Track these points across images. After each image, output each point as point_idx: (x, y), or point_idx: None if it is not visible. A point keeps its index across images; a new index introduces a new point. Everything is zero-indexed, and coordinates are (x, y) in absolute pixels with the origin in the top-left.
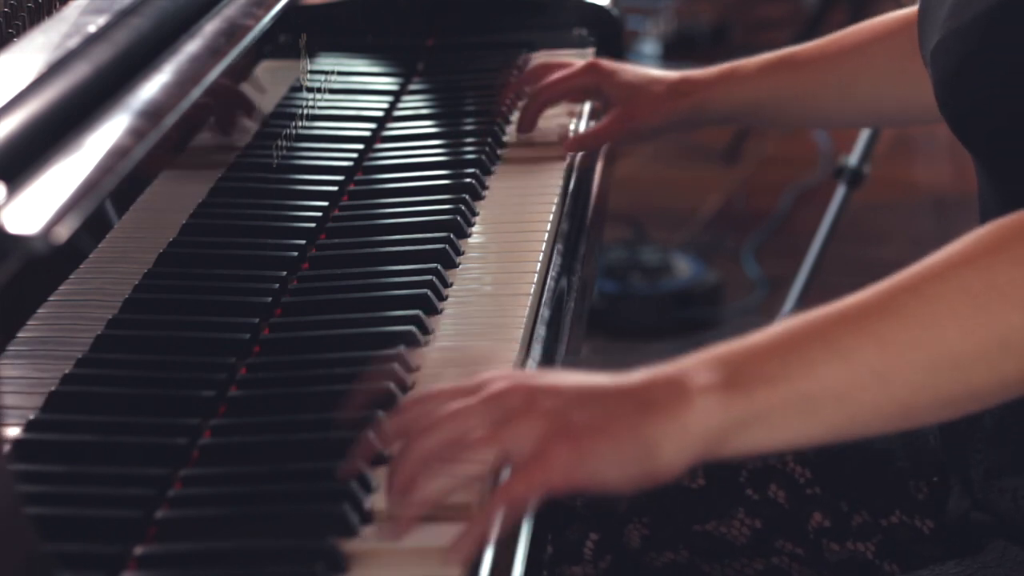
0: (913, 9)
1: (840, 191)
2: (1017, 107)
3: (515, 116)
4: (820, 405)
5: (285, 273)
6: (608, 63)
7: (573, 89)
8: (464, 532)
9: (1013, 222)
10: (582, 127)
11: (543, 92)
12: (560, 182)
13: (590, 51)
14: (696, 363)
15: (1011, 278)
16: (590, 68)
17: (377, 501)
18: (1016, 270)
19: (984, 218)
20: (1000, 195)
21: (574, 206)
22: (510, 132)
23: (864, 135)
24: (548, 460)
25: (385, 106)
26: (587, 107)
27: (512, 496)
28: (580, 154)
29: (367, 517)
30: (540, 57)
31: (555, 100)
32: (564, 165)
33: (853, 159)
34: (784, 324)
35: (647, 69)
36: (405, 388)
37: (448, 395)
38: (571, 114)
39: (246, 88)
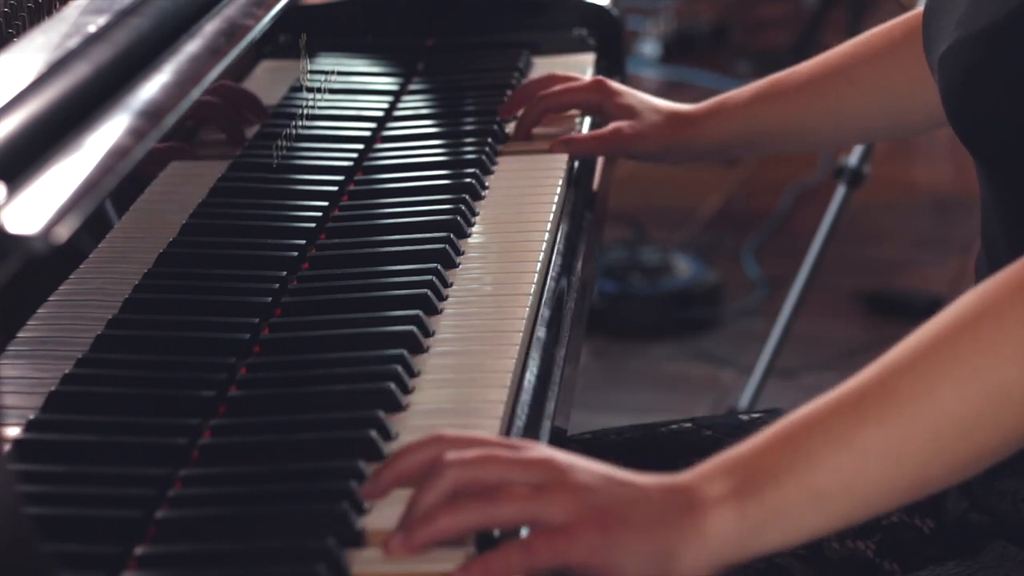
0: (898, 21)
1: (840, 191)
2: None
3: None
4: (831, 497)
5: (285, 273)
6: (613, 83)
7: (576, 103)
8: (472, 566)
9: (998, 283)
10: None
11: (545, 100)
12: (560, 182)
13: (590, 57)
14: (707, 473)
15: (996, 334)
16: (595, 85)
17: (371, 521)
18: (1000, 325)
19: (985, 227)
20: (1003, 204)
21: (574, 206)
22: (510, 132)
23: None
24: (575, 535)
25: (385, 106)
26: (587, 121)
27: (530, 552)
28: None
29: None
30: (540, 62)
31: (556, 110)
32: (564, 165)
33: (853, 159)
34: (785, 420)
35: (650, 97)
36: (406, 389)
37: (485, 443)
38: (572, 116)
39: (246, 88)
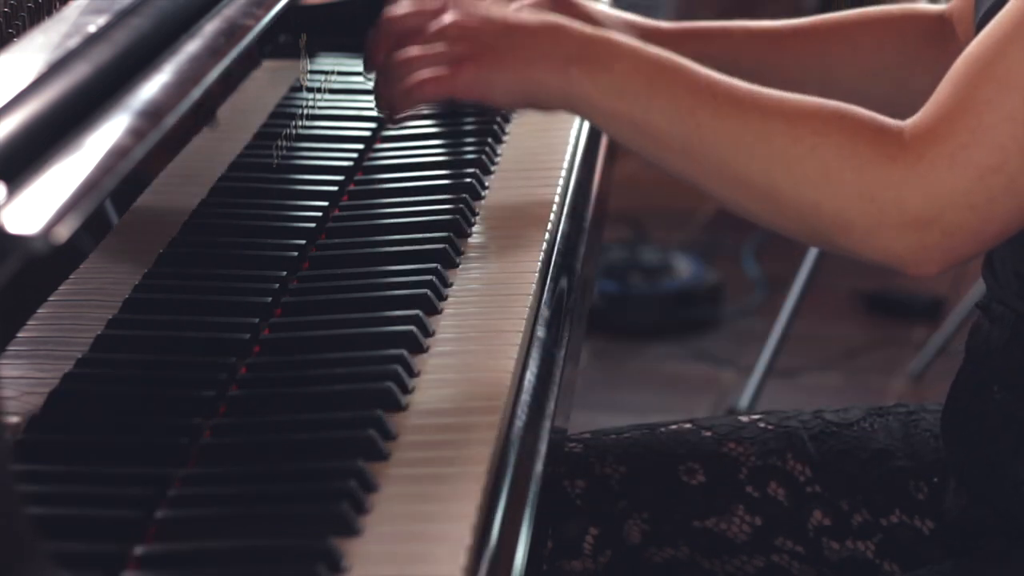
0: (914, 7)
1: None
2: None
3: (515, 118)
4: (627, 97)
5: (285, 273)
6: None
7: None
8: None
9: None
10: (584, 133)
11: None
12: (560, 182)
13: None
14: (587, 38)
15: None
16: None
17: (375, 500)
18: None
19: None
20: None
21: (574, 206)
22: (510, 131)
23: None
24: (458, 72)
25: None
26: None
27: (422, 86)
28: (579, 157)
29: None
30: None
31: None
32: (564, 165)
33: None
34: (665, 55)
35: (617, 11)
36: (406, 389)
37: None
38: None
39: (246, 88)
